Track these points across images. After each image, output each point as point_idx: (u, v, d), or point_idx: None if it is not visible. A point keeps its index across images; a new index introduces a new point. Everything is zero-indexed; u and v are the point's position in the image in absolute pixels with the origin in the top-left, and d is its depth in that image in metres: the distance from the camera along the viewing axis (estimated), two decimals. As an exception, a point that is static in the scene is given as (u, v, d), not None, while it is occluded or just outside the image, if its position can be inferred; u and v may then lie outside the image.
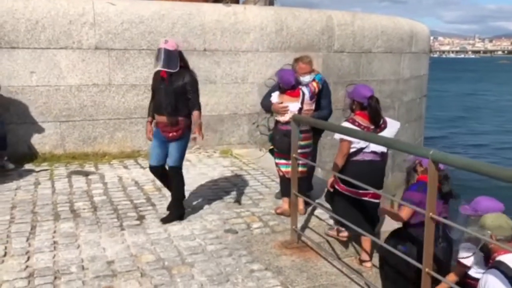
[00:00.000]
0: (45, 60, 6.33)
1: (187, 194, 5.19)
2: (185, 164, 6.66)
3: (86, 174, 5.91)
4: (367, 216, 3.92)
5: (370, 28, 8.84)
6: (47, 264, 3.52)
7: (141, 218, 4.50)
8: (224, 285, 3.27)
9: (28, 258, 3.61)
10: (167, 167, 4.41)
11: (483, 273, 2.61)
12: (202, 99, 7.27)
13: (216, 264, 3.58)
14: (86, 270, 3.45)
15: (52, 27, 6.33)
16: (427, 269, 2.51)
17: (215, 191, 5.40)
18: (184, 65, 4.23)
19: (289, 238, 4.04)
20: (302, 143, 4.46)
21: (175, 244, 3.91)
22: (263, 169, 6.40)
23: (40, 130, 6.52)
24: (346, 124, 3.83)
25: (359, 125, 3.81)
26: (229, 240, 4.04)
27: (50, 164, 6.27)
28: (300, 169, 4.35)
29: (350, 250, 4.15)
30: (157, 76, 4.22)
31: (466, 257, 2.91)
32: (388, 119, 4.00)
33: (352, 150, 3.83)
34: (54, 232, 4.12)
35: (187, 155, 6.98)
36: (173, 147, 4.27)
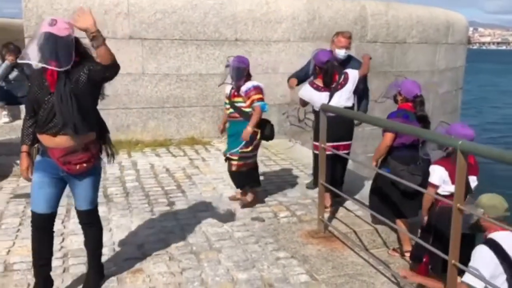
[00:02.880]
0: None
1: (216, 182, 5.28)
2: (215, 153, 6.81)
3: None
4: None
5: (404, 18, 8.66)
6: (81, 246, 3.63)
7: (171, 204, 4.60)
8: (250, 271, 3.32)
9: (63, 240, 3.77)
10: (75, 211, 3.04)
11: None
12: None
13: (242, 250, 3.63)
14: (117, 252, 3.58)
15: (88, 17, 6.49)
16: (453, 261, 2.48)
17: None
18: (82, 57, 2.68)
19: (316, 227, 4.05)
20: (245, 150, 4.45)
21: (203, 230, 3.99)
22: (291, 160, 6.41)
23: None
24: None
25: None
26: (256, 228, 4.09)
27: (85, 150, 6.46)
28: (243, 161, 4.43)
29: (378, 242, 4.11)
30: (39, 78, 2.71)
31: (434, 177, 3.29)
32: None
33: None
34: (88, 215, 4.26)
35: (217, 145, 7.14)
36: (84, 185, 2.86)
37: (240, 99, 4.36)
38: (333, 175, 4.42)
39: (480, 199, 2.81)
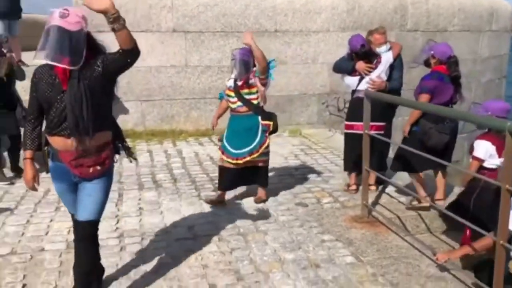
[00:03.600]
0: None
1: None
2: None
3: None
4: None
5: (446, 5, 8.51)
6: (135, 227, 3.88)
7: (216, 189, 4.76)
8: (296, 252, 3.44)
9: (118, 221, 4.00)
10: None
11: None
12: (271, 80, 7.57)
13: (288, 233, 3.76)
14: (169, 233, 3.77)
15: (134, 11, 6.73)
16: (501, 241, 2.52)
17: (285, 167, 5.56)
18: (95, 52, 2.46)
19: (359, 213, 4.12)
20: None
21: (249, 214, 4.13)
22: (332, 148, 6.47)
23: (124, 109, 7.00)
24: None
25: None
26: (299, 213, 4.20)
27: (132, 140, 6.72)
28: (263, 158, 4.26)
29: (422, 227, 4.14)
30: (48, 74, 2.47)
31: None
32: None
33: None
34: (139, 199, 4.50)
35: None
36: (91, 190, 2.56)
37: (248, 90, 4.13)
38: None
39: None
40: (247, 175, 4.29)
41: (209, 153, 6.13)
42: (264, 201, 4.41)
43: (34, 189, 2.62)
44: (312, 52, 7.66)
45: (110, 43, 2.50)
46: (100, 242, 3.50)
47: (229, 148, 4.20)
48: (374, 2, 7.84)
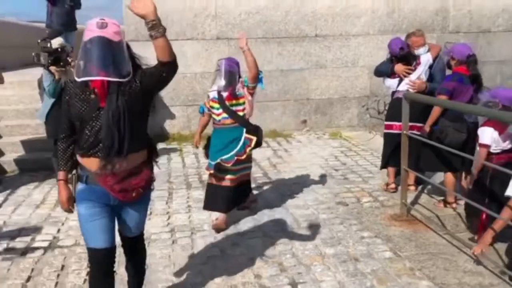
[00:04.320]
0: (174, 50, 7.13)
1: (299, 170, 5.60)
2: (296, 144, 7.15)
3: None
4: None
5: (489, 6, 8.41)
6: (184, 223, 4.16)
7: (259, 188, 5.00)
8: (336, 247, 3.61)
9: (169, 217, 4.29)
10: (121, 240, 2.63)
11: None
12: (313, 83, 7.79)
13: (328, 229, 3.93)
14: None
15: (180, 20, 7.10)
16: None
17: (325, 168, 5.73)
18: (133, 66, 2.29)
19: (399, 211, 4.24)
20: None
21: (290, 212, 4.33)
22: (372, 150, 6.56)
23: (170, 113, 7.37)
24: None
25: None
26: (340, 211, 4.36)
27: (179, 143, 7.08)
28: (244, 172, 4.03)
29: (461, 226, 4.22)
30: (82, 90, 2.29)
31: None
32: None
33: None
34: (188, 198, 4.79)
35: (298, 137, 7.47)
36: (137, 211, 2.49)
37: (236, 101, 3.88)
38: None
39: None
40: (241, 192, 4.10)
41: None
42: (248, 207, 4.30)
43: (70, 211, 2.48)
44: (352, 56, 7.78)
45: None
46: (153, 236, 3.85)
47: (212, 163, 3.93)
48: (414, 5, 7.88)
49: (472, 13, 8.24)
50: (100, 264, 2.38)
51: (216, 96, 3.93)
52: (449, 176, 4.36)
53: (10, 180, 5.48)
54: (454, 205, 4.39)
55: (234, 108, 3.88)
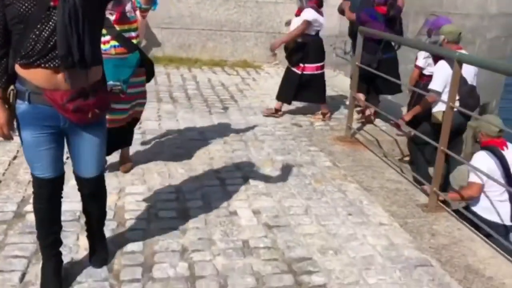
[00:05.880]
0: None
1: (264, 96, 6.09)
2: (264, 75, 7.62)
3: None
4: None
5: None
6: (155, 128, 4.65)
7: (225, 108, 5.50)
8: (286, 156, 4.20)
9: (141, 123, 4.72)
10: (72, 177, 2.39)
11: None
12: (285, 18, 8.13)
13: (281, 143, 4.51)
14: (183, 135, 4.54)
15: None
16: (442, 147, 3.24)
17: (287, 96, 6.25)
18: None
19: (344, 134, 4.84)
20: (135, 80, 3.37)
21: (251, 128, 4.87)
22: (334, 86, 7.09)
23: (145, 34, 7.62)
24: None
25: None
26: (294, 130, 4.94)
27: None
28: (137, 109, 3.56)
29: (396, 151, 4.89)
30: None
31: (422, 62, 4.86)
32: None
33: None
34: (158, 109, 5.25)
35: (267, 69, 7.90)
36: (92, 140, 2.18)
37: (128, 26, 3.28)
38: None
39: (443, 28, 4.45)
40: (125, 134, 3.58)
41: (220, 80, 6.81)
42: (130, 169, 3.68)
43: (9, 137, 2.10)
44: (324, -5, 8.10)
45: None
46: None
47: None
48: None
49: (442, -35, 8.62)
50: (47, 193, 2.16)
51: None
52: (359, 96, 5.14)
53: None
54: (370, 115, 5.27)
55: (127, 35, 3.26)
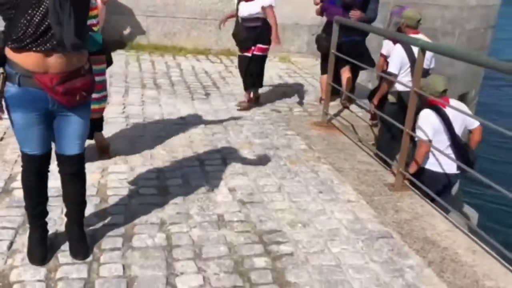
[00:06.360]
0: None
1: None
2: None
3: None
4: None
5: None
6: (138, 113, 4.81)
7: (207, 94, 5.67)
8: (263, 139, 4.40)
9: (124, 107, 4.93)
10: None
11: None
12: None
13: (259, 127, 4.70)
14: (166, 119, 4.71)
15: None
16: (407, 129, 3.46)
17: (268, 84, 6.41)
18: None
19: (321, 119, 5.05)
20: (96, 67, 3.04)
21: (231, 113, 5.05)
22: (313, 74, 7.29)
23: (129, 21, 7.74)
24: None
25: None
26: (273, 116, 5.13)
27: (137, 51, 7.53)
28: (99, 105, 3.53)
29: (370, 136, 5.11)
30: None
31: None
32: None
33: None
34: (142, 95, 5.41)
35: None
36: (77, 120, 2.31)
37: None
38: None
39: (405, 12, 4.74)
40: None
41: (204, 68, 6.97)
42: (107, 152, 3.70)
43: None
44: (308, -15, 8.27)
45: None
46: (111, 120, 4.48)
47: None
48: None
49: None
50: (35, 167, 2.32)
51: None
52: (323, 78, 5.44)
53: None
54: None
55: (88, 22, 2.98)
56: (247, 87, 5.29)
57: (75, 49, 2.07)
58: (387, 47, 5.13)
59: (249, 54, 5.12)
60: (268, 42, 5.13)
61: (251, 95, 5.37)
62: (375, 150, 4.35)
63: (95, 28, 3.26)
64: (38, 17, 1.99)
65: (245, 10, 5.02)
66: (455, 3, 9.76)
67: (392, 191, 3.58)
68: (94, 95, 3.03)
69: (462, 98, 11.11)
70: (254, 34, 5.04)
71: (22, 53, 2.05)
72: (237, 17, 5.16)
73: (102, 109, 3.64)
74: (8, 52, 2.09)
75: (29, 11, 1.98)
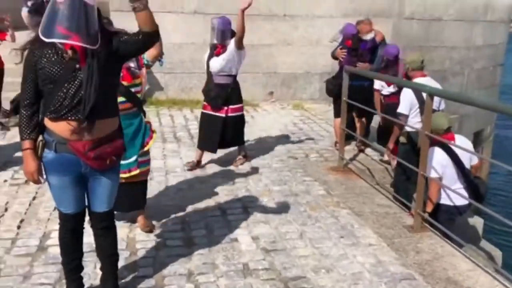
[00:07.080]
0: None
1: (262, 134, 6.46)
2: (262, 112, 8.03)
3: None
4: None
5: (442, -4, 9.36)
6: (161, 166, 5.00)
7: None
8: (282, 186, 4.53)
9: (148, 162, 5.12)
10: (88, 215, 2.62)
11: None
12: (279, 59, 8.62)
13: (277, 174, 4.85)
14: (186, 171, 4.88)
15: (161, -6, 7.79)
16: (421, 172, 3.56)
17: (283, 132, 6.63)
18: (103, 30, 2.27)
19: (337, 164, 5.18)
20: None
21: (250, 162, 5.21)
22: (328, 119, 7.47)
23: (149, 79, 8.08)
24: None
25: None
26: (290, 163, 5.28)
27: (156, 106, 7.85)
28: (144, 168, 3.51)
29: (387, 178, 5.19)
30: (50, 51, 2.24)
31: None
32: None
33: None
34: (163, 149, 5.62)
35: (265, 106, 8.33)
36: (108, 182, 2.49)
37: (133, 81, 3.28)
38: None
39: (405, 58, 4.93)
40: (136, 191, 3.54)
41: (221, 119, 7.21)
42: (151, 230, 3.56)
43: (38, 182, 2.40)
44: (317, 35, 8.63)
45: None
46: (135, 175, 4.64)
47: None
48: (374, -8, 8.76)
49: (425, 2, 9.19)
50: (70, 225, 2.51)
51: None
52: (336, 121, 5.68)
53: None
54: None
55: (133, 90, 3.29)
56: (203, 147, 4.96)
57: (105, 117, 2.31)
58: (379, 82, 5.45)
59: (223, 115, 4.84)
60: (240, 100, 4.99)
61: (200, 156, 5.00)
62: (393, 192, 4.43)
63: (138, 95, 3.37)
64: (73, 90, 2.22)
65: (216, 65, 4.80)
66: (462, 44, 10.02)
67: (412, 232, 3.64)
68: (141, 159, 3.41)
69: (477, 135, 11.19)
70: (225, 93, 4.79)
71: (58, 122, 2.26)
72: (208, 73, 4.93)
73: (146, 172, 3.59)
74: (46, 122, 2.31)
75: (65, 85, 2.21)
